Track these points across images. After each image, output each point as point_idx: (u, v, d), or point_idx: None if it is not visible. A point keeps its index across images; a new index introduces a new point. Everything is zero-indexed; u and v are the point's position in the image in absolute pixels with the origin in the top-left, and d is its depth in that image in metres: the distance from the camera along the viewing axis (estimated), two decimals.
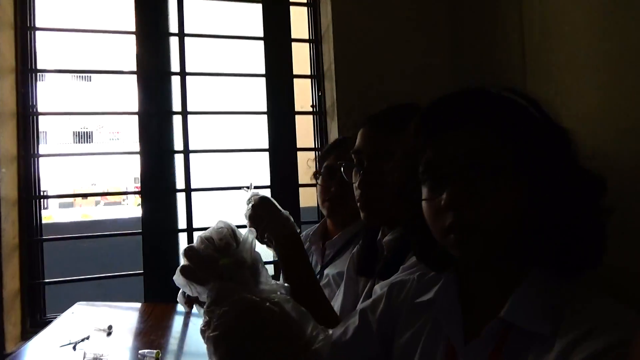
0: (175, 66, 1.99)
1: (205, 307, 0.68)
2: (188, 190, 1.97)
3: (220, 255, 0.73)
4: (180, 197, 2.00)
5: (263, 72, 2.06)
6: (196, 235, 1.97)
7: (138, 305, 1.78)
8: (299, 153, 2.10)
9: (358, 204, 1.15)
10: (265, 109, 2.06)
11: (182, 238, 2.00)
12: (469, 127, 0.74)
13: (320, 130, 2.12)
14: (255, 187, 2.03)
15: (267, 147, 2.06)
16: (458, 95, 0.79)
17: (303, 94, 2.17)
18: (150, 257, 1.96)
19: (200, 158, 2.02)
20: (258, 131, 2.08)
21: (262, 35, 2.06)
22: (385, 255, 1.16)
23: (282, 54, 2.08)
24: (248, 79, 2.09)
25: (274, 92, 2.07)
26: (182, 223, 2.00)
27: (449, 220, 0.73)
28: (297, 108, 2.10)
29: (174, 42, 1.98)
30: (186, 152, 1.97)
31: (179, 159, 1.99)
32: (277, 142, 2.07)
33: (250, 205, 1.12)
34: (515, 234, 0.72)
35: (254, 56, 2.07)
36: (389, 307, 0.89)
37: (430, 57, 1.99)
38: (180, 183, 1.99)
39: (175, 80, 1.99)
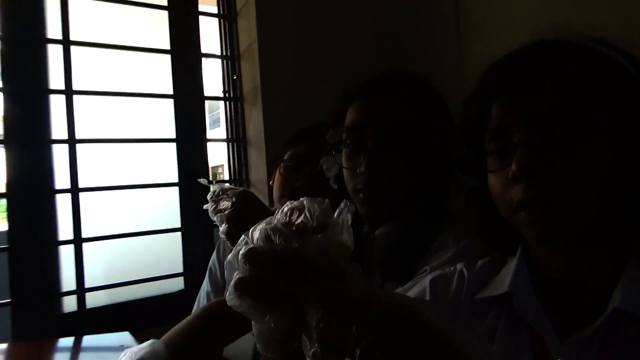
0: (54, 32, 1.55)
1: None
2: (75, 190, 1.54)
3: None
4: (63, 200, 1.56)
5: (167, 47, 1.74)
6: (88, 246, 1.57)
7: (3, 346, 1.34)
8: (209, 144, 1.81)
9: (360, 195, 0.97)
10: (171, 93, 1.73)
11: (66, 252, 1.56)
12: (548, 83, 0.62)
13: (235, 119, 1.86)
14: (161, 185, 1.71)
15: (173, 137, 1.73)
16: (534, 47, 0.67)
17: (214, 77, 1.88)
18: (19, 281, 1.49)
19: (90, 150, 1.61)
20: (162, 119, 1.74)
21: (165, 3, 1.73)
22: (386, 252, 1.00)
23: (189, 29, 1.77)
24: (150, 59, 1.73)
25: (180, 73, 1.75)
26: (65, 233, 1.56)
27: (520, 194, 0.61)
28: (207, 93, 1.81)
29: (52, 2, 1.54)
30: (72, 141, 1.54)
31: (60, 151, 1.55)
32: (184, 132, 1.75)
33: (231, 202, 0.86)
34: (603, 210, 0.61)
35: (157, 31, 1.73)
36: (434, 296, 0.76)
37: (361, 30, 1.88)
38: (62, 181, 1.55)
39: (55, 51, 1.55)
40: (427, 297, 0.76)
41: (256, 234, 0.51)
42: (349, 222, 0.50)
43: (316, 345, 0.43)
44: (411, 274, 0.93)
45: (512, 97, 0.64)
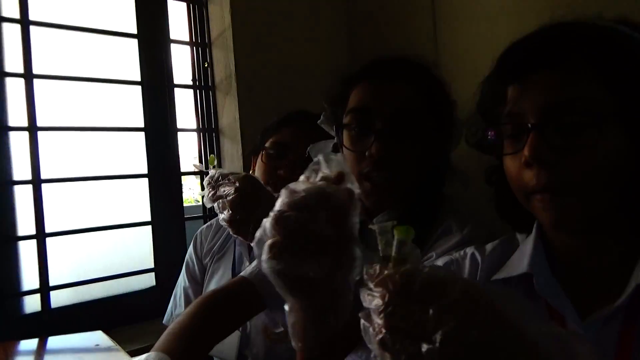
0: (11, 10, 1.42)
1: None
2: (36, 181, 1.43)
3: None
4: (23, 192, 1.44)
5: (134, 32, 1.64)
6: (51, 241, 1.45)
7: None
8: (180, 135, 1.74)
9: (366, 180, 0.95)
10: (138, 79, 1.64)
11: (27, 248, 1.45)
12: (562, 68, 0.62)
13: (207, 108, 1.79)
14: (129, 176, 1.62)
15: (142, 126, 1.65)
16: (551, 29, 0.67)
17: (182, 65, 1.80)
18: None
19: (53, 139, 1.50)
20: (131, 108, 1.65)
21: None
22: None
23: (156, 13, 1.68)
24: (117, 43, 1.63)
25: (148, 58, 1.66)
26: (26, 227, 1.45)
27: (533, 180, 0.62)
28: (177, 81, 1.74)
29: None
30: (32, 129, 1.43)
31: (19, 139, 1.43)
32: (154, 121, 1.67)
33: (235, 187, 0.81)
34: (615, 196, 0.62)
35: (124, 14, 1.63)
36: None
37: (336, 13, 1.86)
38: (22, 172, 1.44)
39: (12, 31, 1.43)
40: None
41: (278, 202, 0.54)
42: None
43: (383, 331, 0.41)
44: None
45: (527, 80, 0.64)
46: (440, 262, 0.81)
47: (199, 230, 1.51)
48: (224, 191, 0.81)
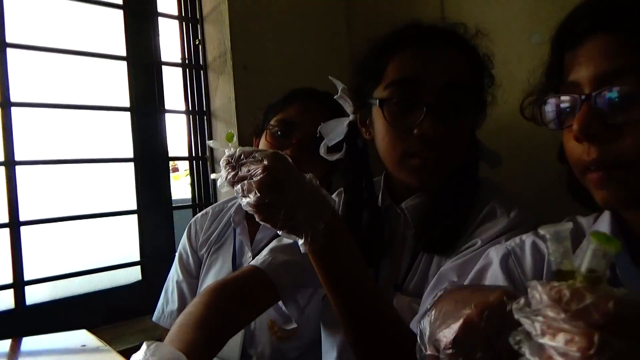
0: None
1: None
2: (9, 163, 1.28)
3: None
4: None
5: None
6: (26, 230, 1.29)
7: None
8: (168, 117, 1.60)
9: (414, 159, 0.85)
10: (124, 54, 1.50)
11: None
12: (624, 29, 0.56)
13: (197, 88, 1.66)
14: (114, 160, 1.48)
15: (127, 105, 1.51)
16: None
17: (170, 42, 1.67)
18: None
19: (29, 116, 1.34)
20: (115, 86, 1.50)
21: None
22: (422, 222, 0.90)
23: None
24: (101, 14, 1.48)
25: (134, 33, 1.52)
26: None
27: (585, 154, 0.58)
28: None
29: None
30: (5, 105, 1.27)
31: None
32: (140, 100, 1.53)
33: (263, 165, 0.69)
34: None
35: None
36: (512, 282, 0.68)
37: None
38: None
39: None
40: (500, 276, 0.68)
41: None
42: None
43: None
44: (453, 244, 0.84)
45: (582, 46, 0.59)
46: (493, 252, 0.72)
47: (193, 219, 1.39)
48: (249, 171, 0.69)
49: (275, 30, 1.62)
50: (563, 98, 0.61)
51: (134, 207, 1.51)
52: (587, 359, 0.30)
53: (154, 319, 1.31)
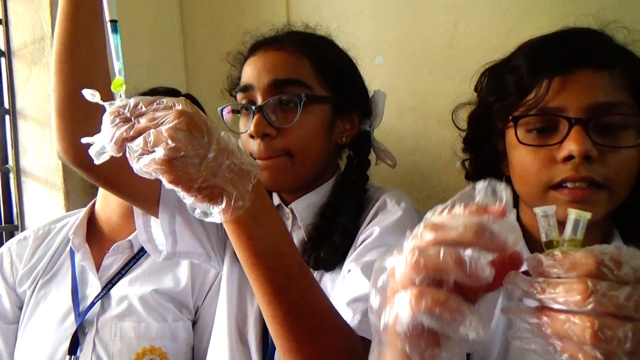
0: None
1: None
2: None
3: None
4: None
5: None
6: None
7: None
8: None
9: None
10: None
11: None
12: (612, 70, 0.66)
13: None
14: None
15: None
16: (589, 33, 0.71)
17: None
18: None
19: None
20: None
21: None
22: (319, 224, 0.85)
23: None
24: None
25: None
26: None
27: (571, 171, 0.64)
28: None
29: None
30: None
31: None
32: None
33: (175, 111, 0.50)
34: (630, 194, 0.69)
35: None
36: None
37: None
38: None
39: None
40: None
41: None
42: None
43: (595, 323, 0.36)
44: (351, 241, 0.80)
45: (571, 76, 0.65)
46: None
47: (5, 247, 1.07)
48: (153, 120, 0.51)
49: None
50: (543, 119, 0.65)
51: None
52: (586, 300, 0.35)
53: None
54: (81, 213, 1.09)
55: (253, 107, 0.80)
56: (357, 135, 0.90)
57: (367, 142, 0.92)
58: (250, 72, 0.84)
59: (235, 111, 0.87)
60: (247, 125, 0.82)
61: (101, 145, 0.53)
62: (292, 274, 0.60)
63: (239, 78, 0.90)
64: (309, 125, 0.82)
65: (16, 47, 1.30)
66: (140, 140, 0.50)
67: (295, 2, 1.51)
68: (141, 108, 0.52)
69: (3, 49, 1.30)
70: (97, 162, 0.54)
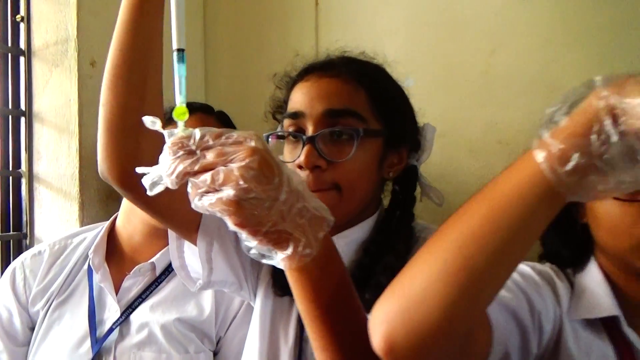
0: None
1: None
2: None
3: None
4: None
5: None
6: None
7: None
8: None
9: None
10: None
11: None
12: None
13: (13, 81, 1.24)
14: None
15: None
16: None
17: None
18: None
19: None
20: None
21: None
22: (363, 262, 0.80)
23: None
24: None
25: None
26: None
27: None
28: None
29: None
30: None
31: None
32: None
33: (246, 148, 0.46)
34: None
35: None
36: None
37: None
38: None
39: None
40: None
41: None
42: None
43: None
44: None
45: None
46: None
47: (18, 262, 1.01)
48: (222, 155, 0.46)
49: None
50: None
51: None
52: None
53: None
54: (100, 229, 1.03)
55: (304, 137, 0.76)
56: (404, 169, 0.86)
57: (414, 177, 0.88)
58: (301, 99, 0.79)
59: (280, 137, 0.83)
60: (293, 153, 0.78)
61: (158, 176, 0.49)
62: (358, 331, 0.55)
63: (284, 101, 0.85)
64: (362, 159, 0.77)
65: (37, 47, 1.24)
66: (207, 177, 0.46)
67: (324, 20, 1.46)
68: (208, 141, 0.47)
69: (23, 47, 1.25)
70: (150, 193, 0.50)
